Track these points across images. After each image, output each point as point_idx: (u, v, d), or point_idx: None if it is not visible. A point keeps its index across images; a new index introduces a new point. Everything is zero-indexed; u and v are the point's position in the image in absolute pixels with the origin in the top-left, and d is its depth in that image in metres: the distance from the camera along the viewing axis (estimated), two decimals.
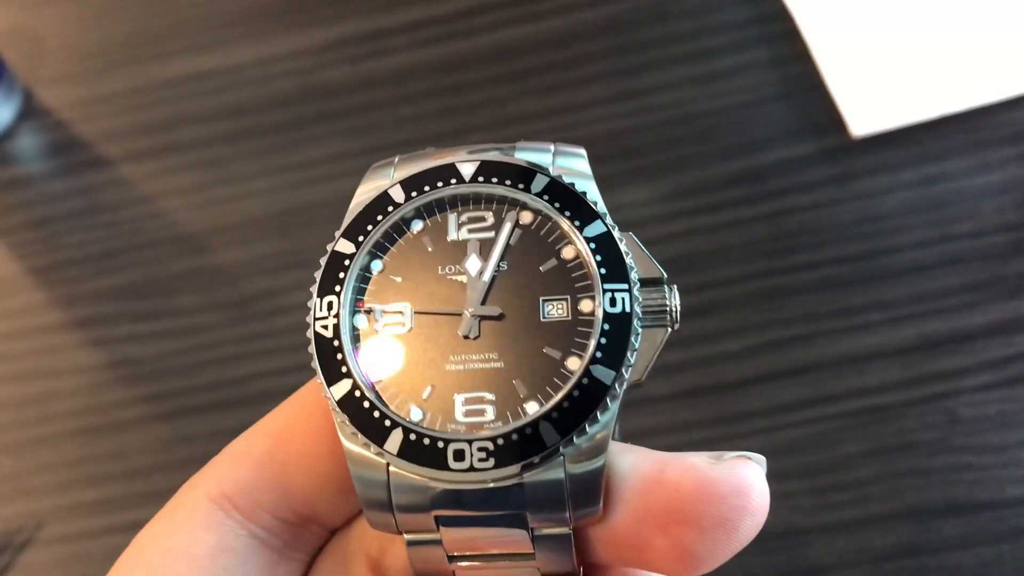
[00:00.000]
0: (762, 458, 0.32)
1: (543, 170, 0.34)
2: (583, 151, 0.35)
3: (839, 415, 0.65)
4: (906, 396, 0.65)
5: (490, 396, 0.32)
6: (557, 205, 0.33)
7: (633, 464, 0.31)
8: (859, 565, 0.60)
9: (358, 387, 0.32)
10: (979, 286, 0.68)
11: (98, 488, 0.72)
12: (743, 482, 0.30)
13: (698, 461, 0.31)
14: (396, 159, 0.36)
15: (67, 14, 1.01)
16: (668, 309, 0.32)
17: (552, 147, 0.35)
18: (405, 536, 0.32)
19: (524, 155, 0.35)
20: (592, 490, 0.30)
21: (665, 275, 0.33)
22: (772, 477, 0.62)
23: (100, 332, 0.80)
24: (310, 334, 0.33)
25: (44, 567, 0.70)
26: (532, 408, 0.31)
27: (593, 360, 0.31)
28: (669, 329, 0.32)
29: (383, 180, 0.35)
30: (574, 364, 0.31)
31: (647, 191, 0.77)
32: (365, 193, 0.35)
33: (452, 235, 0.34)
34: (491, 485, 0.30)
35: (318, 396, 0.34)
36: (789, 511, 0.62)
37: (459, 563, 0.33)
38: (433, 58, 0.90)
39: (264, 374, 0.75)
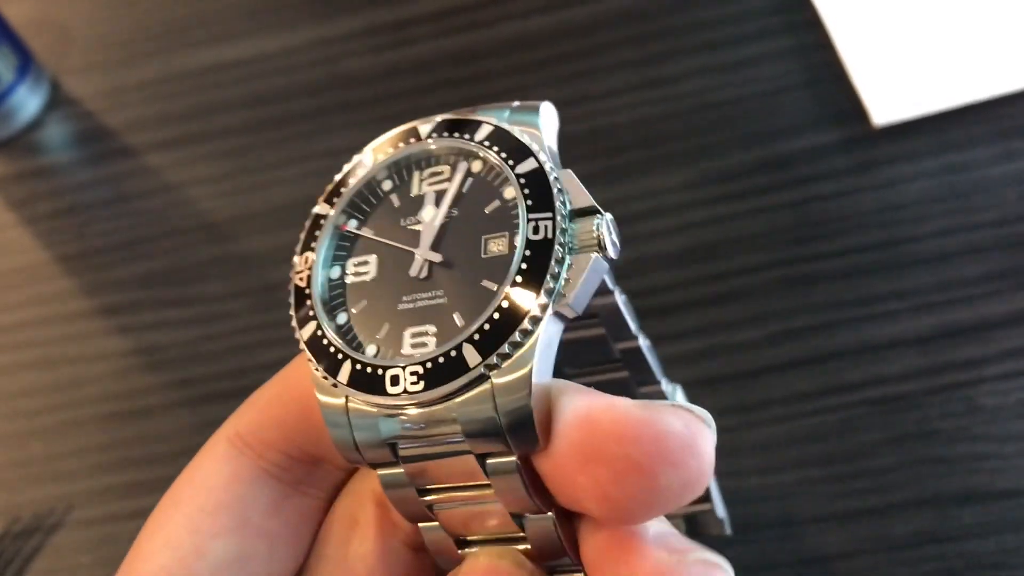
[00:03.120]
0: (706, 414, 0.31)
1: (488, 120, 0.36)
2: (542, 105, 0.37)
3: (860, 403, 0.65)
4: (927, 384, 0.65)
5: (433, 329, 0.33)
6: (496, 149, 0.35)
7: (571, 403, 0.31)
8: (879, 552, 0.60)
9: (320, 328, 0.35)
10: (1002, 275, 0.68)
11: (126, 472, 0.74)
12: (662, 428, 0.29)
13: (623, 403, 0.30)
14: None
15: (93, 3, 1.02)
16: (595, 235, 0.32)
17: (514, 105, 0.37)
18: (377, 473, 0.34)
19: (483, 114, 0.37)
20: (523, 418, 0.31)
21: (597, 206, 0.33)
22: (792, 465, 0.63)
23: (127, 319, 0.81)
24: (291, 286, 0.36)
25: (73, 549, 0.71)
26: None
27: (513, 284, 0.32)
28: (596, 255, 0.32)
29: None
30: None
31: (669, 179, 0.77)
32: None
33: (415, 191, 0.37)
34: (421, 410, 0.32)
35: None
36: (809, 498, 0.62)
37: (428, 496, 0.34)
38: (456, 47, 0.90)
39: (289, 360, 0.75)
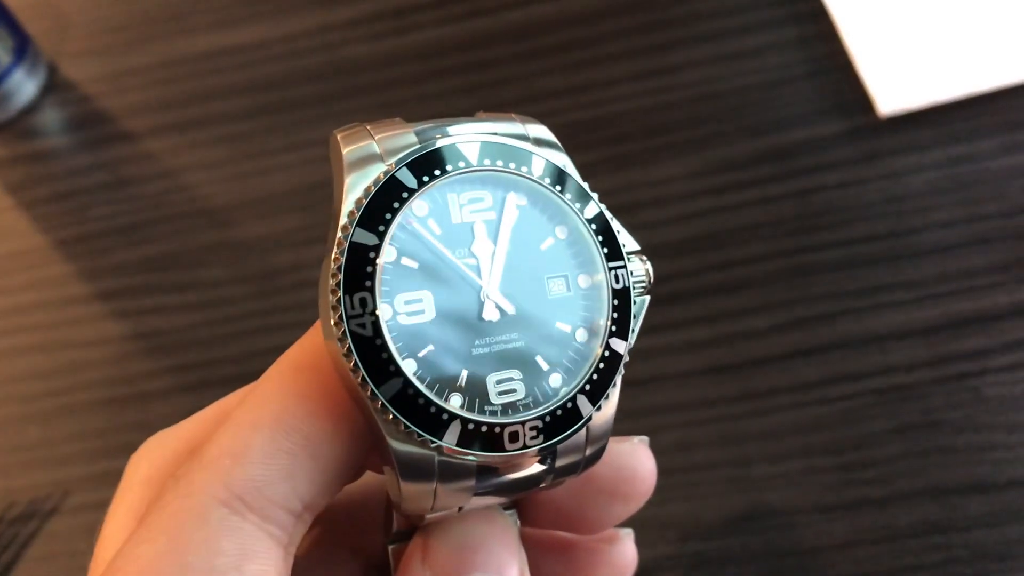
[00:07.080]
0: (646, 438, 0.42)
1: (538, 153, 0.35)
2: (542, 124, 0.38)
3: (864, 393, 0.65)
4: (932, 375, 0.65)
5: (517, 374, 0.34)
6: (558, 188, 0.35)
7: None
8: (884, 542, 0.60)
9: (410, 384, 0.31)
10: (1006, 266, 0.68)
11: (124, 457, 0.72)
12: (643, 470, 0.41)
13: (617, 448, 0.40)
14: (367, 127, 0.34)
15: None
16: (648, 278, 0.36)
17: (515, 116, 0.37)
18: (427, 517, 0.35)
19: (492, 126, 0.36)
20: (600, 454, 0.36)
21: (638, 247, 0.37)
22: (798, 454, 0.63)
23: (126, 304, 0.80)
24: (345, 333, 0.31)
25: (70, 534, 0.70)
26: (556, 380, 0.34)
27: (610, 334, 0.35)
28: (648, 298, 0.36)
29: (366, 144, 0.33)
30: (582, 336, 0.35)
31: (673, 169, 0.77)
32: (353, 155, 0.33)
33: (456, 216, 0.34)
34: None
35: (309, 374, 0.33)
36: (814, 488, 0.62)
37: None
38: (459, 34, 0.90)
39: (288, 347, 0.75)
